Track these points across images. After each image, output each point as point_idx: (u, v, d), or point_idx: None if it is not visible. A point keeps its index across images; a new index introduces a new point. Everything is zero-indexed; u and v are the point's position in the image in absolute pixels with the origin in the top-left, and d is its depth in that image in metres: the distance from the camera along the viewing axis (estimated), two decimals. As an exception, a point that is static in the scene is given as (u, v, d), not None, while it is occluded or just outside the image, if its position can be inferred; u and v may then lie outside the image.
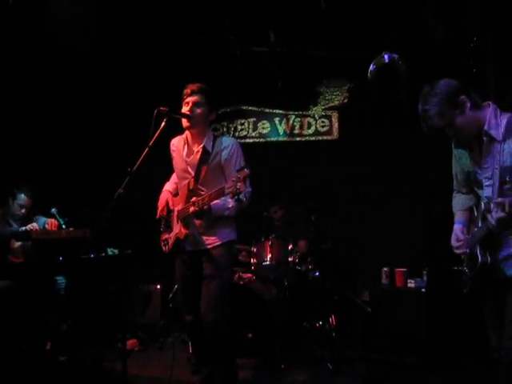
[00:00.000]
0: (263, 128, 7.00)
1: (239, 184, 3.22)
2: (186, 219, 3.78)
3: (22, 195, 5.26)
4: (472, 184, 3.00)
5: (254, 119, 7.05)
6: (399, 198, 6.10)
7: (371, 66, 5.48)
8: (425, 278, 5.15)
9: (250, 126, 7.06)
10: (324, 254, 5.67)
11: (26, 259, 5.16)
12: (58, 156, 6.37)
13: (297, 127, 6.85)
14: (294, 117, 6.88)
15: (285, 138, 6.93)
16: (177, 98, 3.92)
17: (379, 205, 6.18)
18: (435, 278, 5.16)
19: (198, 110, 3.77)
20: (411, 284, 5.11)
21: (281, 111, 6.95)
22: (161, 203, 4.04)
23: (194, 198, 3.63)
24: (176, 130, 3.90)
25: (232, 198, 3.34)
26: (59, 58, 6.07)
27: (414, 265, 5.29)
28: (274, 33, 6.00)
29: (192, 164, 3.85)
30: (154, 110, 3.51)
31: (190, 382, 4.34)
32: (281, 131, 6.93)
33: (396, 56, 5.39)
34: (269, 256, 5.43)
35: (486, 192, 2.83)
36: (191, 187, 3.78)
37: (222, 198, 3.54)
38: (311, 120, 6.79)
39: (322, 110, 6.74)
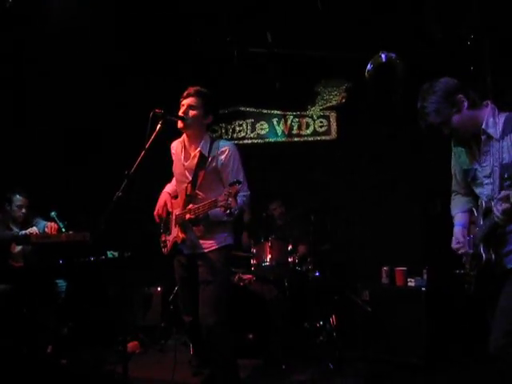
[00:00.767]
0: (261, 129, 7.01)
1: (230, 199, 3.25)
2: (183, 224, 3.80)
3: (17, 196, 5.27)
4: (471, 183, 3.01)
5: (252, 120, 7.06)
6: (398, 197, 6.11)
7: (369, 65, 5.49)
8: (425, 276, 5.14)
9: (248, 127, 7.06)
10: (324, 255, 5.68)
11: (26, 263, 5.16)
12: (57, 159, 6.37)
13: (295, 128, 6.86)
14: (292, 117, 6.88)
15: (283, 139, 6.93)
16: (175, 99, 3.93)
17: (378, 204, 6.18)
18: (435, 276, 5.16)
19: (192, 112, 3.77)
20: (411, 283, 5.10)
21: (279, 112, 6.95)
22: (159, 204, 4.05)
23: (190, 206, 3.66)
24: (176, 132, 3.91)
25: (224, 212, 3.36)
26: (57, 58, 6.06)
27: (413, 264, 5.28)
28: (272, 33, 6.00)
29: (189, 168, 3.86)
30: (150, 112, 3.52)
31: (191, 383, 4.34)
32: (279, 132, 6.94)
33: (393, 55, 5.40)
34: (269, 257, 5.43)
35: (486, 190, 2.84)
36: (188, 192, 3.79)
37: None
38: (309, 120, 6.80)
39: (320, 110, 6.74)
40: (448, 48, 5.26)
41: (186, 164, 3.89)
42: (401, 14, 5.44)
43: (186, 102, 3.81)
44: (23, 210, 5.28)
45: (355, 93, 6.52)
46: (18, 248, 5.15)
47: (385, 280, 5.29)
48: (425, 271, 5.16)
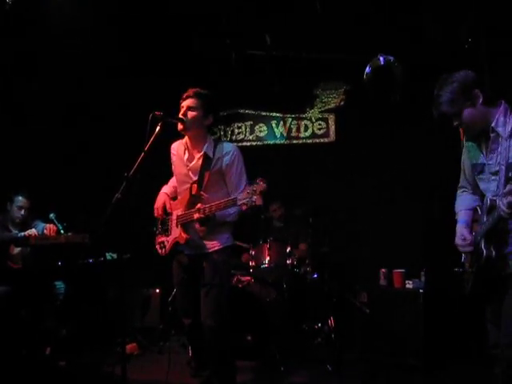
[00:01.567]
0: (260, 131, 7.02)
1: (255, 197, 3.25)
2: (186, 224, 3.80)
3: (20, 197, 5.28)
4: (477, 178, 3.01)
5: (251, 122, 7.08)
6: (396, 200, 6.11)
7: (367, 68, 5.50)
8: (423, 278, 5.15)
9: (247, 130, 7.08)
10: (322, 256, 5.69)
11: (25, 265, 5.16)
12: (56, 161, 6.37)
13: (294, 130, 6.88)
14: (290, 120, 6.90)
15: (282, 141, 6.95)
16: (175, 101, 3.94)
17: (376, 206, 6.19)
18: (433, 278, 5.17)
19: (191, 114, 3.78)
20: (409, 285, 5.12)
21: (278, 114, 6.97)
22: (157, 205, 4.05)
23: (199, 205, 3.63)
24: (176, 134, 3.91)
25: (245, 210, 3.37)
26: (56, 59, 6.06)
27: (411, 266, 5.29)
28: (270, 36, 6.01)
29: (194, 169, 3.86)
30: (150, 115, 3.53)
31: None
32: (278, 134, 6.95)
33: (391, 58, 5.41)
34: (267, 259, 5.45)
35: (492, 186, 2.85)
36: (194, 192, 3.78)
37: None
38: (308, 123, 6.81)
39: (319, 112, 6.76)
40: (446, 50, 5.28)
41: (189, 165, 3.89)
42: (399, 16, 5.46)
43: (185, 103, 3.82)
44: (22, 212, 5.28)
45: (354, 95, 6.54)
46: (17, 250, 5.15)
47: (383, 282, 5.31)
48: (423, 273, 5.18)
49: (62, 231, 5.07)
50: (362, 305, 5.27)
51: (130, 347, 5.48)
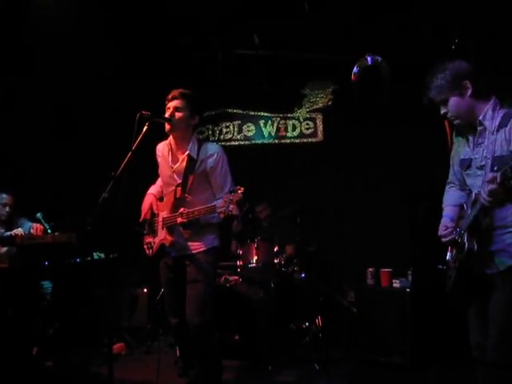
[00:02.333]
0: (248, 131, 7.03)
1: (232, 206, 3.28)
2: (171, 226, 3.81)
3: (3, 194, 5.27)
4: (464, 174, 3.01)
5: (239, 122, 7.08)
6: (384, 199, 6.14)
7: (355, 68, 5.51)
8: (410, 278, 5.17)
9: (235, 129, 7.08)
10: (310, 256, 5.71)
11: (12, 264, 5.13)
12: (43, 160, 6.34)
13: (281, 129, 6.88)
14: (278, 119, 6.91)
15: (270, 141, 6.96)
16: (161, 101, 3.94)
17: (364, 206, 6.22)
18: (420, 278, 5.19)
19: (178, 114, 3.78)
20: (396, 284, 5.13)
21: (266, 114, 6.98)
22: (145, 206, 4.05)
23: (182, 209, 3.65)
24: (163, 134, 3.91)
25: (223, 217, 3.41)
26: (45, 58, 6.04)
27: (398, 265, 5.32)
28: (259, 35, 6.01)
29: (178, 171, 3.87)
30: (137, 114, 3.52)
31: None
32: (266, 134, 6.96)
33: (379, 58, 5.43)
34: (255, 258, 5.45)
35: (478, 182, 2.85)
36: (178, 196, 3.80)
37: None
38: (296, 122, 6.83)
39: (307, 112, 6.78)
40: (433, 50, 5.30)
41: (174, 167, 3.89)
42: (387, 16, 5.47)
43: (171, 104, 3.82)
44: (7, 209, 5.26)
45: (341, 95, 6.56)
46: (4, 249, 5.12)
47: (370, 281, 5.32)
48: (410, 272, 5.19)
49: (49, 231, 5.05)
50: (350, 304, 5.30)
51: (118, 347, 5.46)
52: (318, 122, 6.73)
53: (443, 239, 3.04)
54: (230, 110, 7.13)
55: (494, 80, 3.23)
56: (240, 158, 5.98)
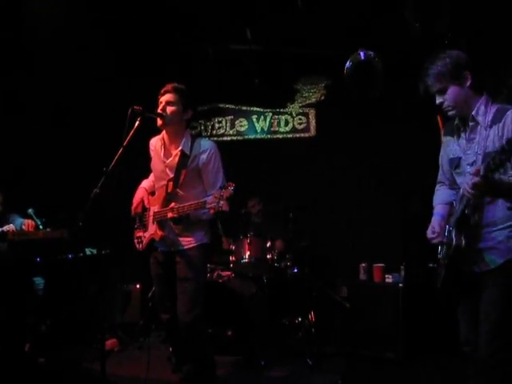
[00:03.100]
0: (241, 126, 7.01)
1: (222, 202, 3.27)
2: (162, 221, 3.80)
3: None
4: (454, 173, 3.01)
5: (232, 117, 7.06)
6: (377, 195, 6.14)
7: (347, 63, 5.50)
8: (402, 273, 5.19)
9: (228, 124, 7.06)
10: (302, 251, 5.71)
11: (3, 260, 5.10)
12: (34, 156, 6.30)
13: (274, 125, 6.87)
14: (271, 114, 6.89)
15: (262, 136, 6.94)
16: (153, 96, 3.92)
17: (356, 201, 6.22)
18: (412, 273, 5.21)
19: (170, 109, 3.77)
20: (389, 279, 5.16)
21: (258, 109, 6.96)
22: (136, 200, 4.05)
23: (172, 204, 3.64)
24: (155, 129, 3.90)
25: (213, 213, 3.40)
26: (39, 57, 6.01)
27: (391, 260, 5.34)
28: (251, 30, 5.99)
29: (170, 166, 3.85)
30: (129, 109, 3.51)
31: (170, 380, 4.34)
32: (258, 129, 6.94)
33: (372, 53, 5.42)
34: (247, 253, 5.44)
35: (467, 180, 2.79)
36: (170, 190, 3.79)
37: None
38: (288, 117, 6.81)
39: (299, 107, 6.76)
40: (426, 46, 5.30)
41: (166, 162, 3.88)
42: (380, 11, 5.47)
43: (163, 98, 3.80)
44: (-3, 205, 5.24)
45: (334, 90, 6.54)
46: (-5, 245, 5.10)
47: (363, 276, 5.34)
48: (402, 268, 5.22)
49: (40, 227, 5.03)
50: (342, 299, 5.30)
51: (110, 343, 5.45)
52: (310, 117, 6.71)
53: (431, 241, 3.04)
54: (222, 105, 7.10)
55: (487, 80, 3.22)
56: (232, 154, 5.97)
